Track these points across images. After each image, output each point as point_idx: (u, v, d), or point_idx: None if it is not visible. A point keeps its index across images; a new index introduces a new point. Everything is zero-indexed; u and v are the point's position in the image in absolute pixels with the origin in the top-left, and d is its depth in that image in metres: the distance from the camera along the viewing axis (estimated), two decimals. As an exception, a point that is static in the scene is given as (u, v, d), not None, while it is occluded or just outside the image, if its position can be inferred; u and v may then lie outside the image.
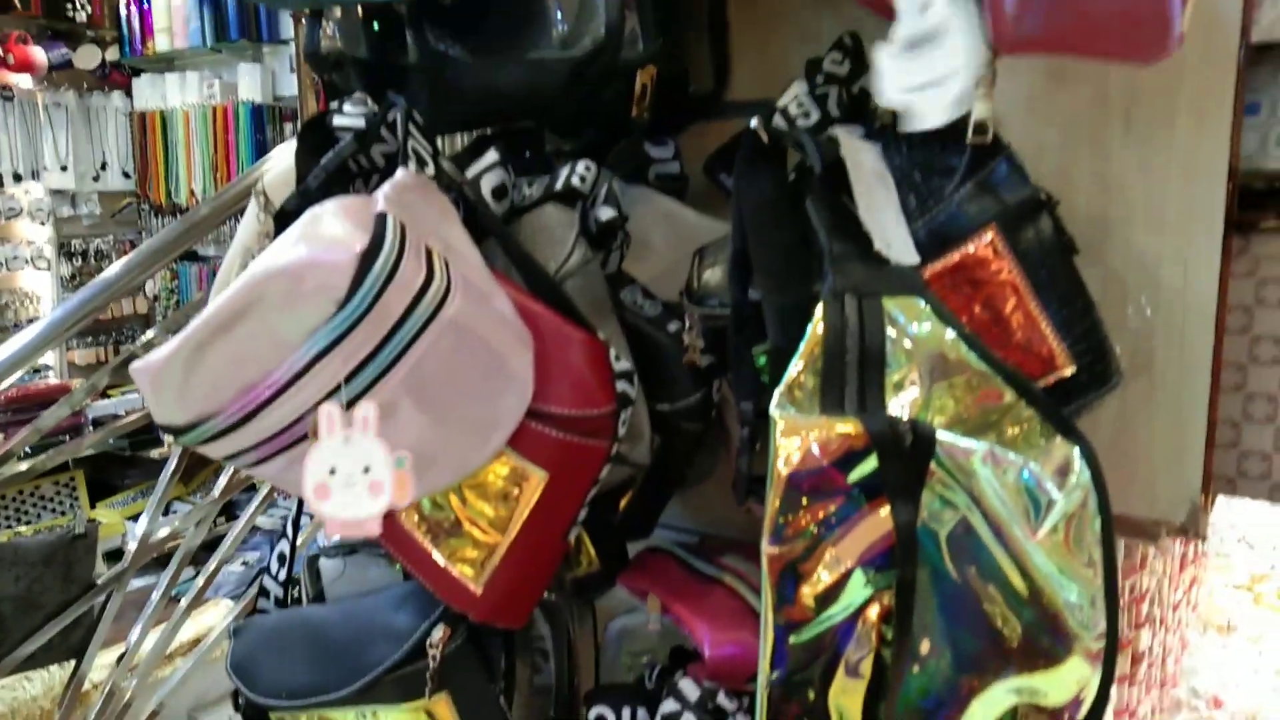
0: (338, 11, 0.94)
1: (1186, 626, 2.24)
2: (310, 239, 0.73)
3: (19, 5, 3.97)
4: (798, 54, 1.02)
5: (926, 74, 0.63)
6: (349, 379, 0.75)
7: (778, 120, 0.89)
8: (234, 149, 3.87)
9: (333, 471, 0.77)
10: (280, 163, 0.95)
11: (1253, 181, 1.00)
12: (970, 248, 0.77)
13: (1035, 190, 0.76)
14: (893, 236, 0.75)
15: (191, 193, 4.05)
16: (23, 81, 4.11)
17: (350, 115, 0.88)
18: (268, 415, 0.76)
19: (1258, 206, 1.04)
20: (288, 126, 3.87)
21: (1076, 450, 0.75)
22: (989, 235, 0.76)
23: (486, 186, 0.89)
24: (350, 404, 0.75)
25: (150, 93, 4.17)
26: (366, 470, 0.76)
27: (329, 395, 0.75)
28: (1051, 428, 0.75)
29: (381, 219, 0.74)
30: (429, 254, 0.76)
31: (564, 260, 0.89)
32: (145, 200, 4.30)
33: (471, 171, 0.90)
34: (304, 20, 0.95)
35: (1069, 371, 0.78)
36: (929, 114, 0.65)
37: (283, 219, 0.86)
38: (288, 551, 1.05)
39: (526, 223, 0.91)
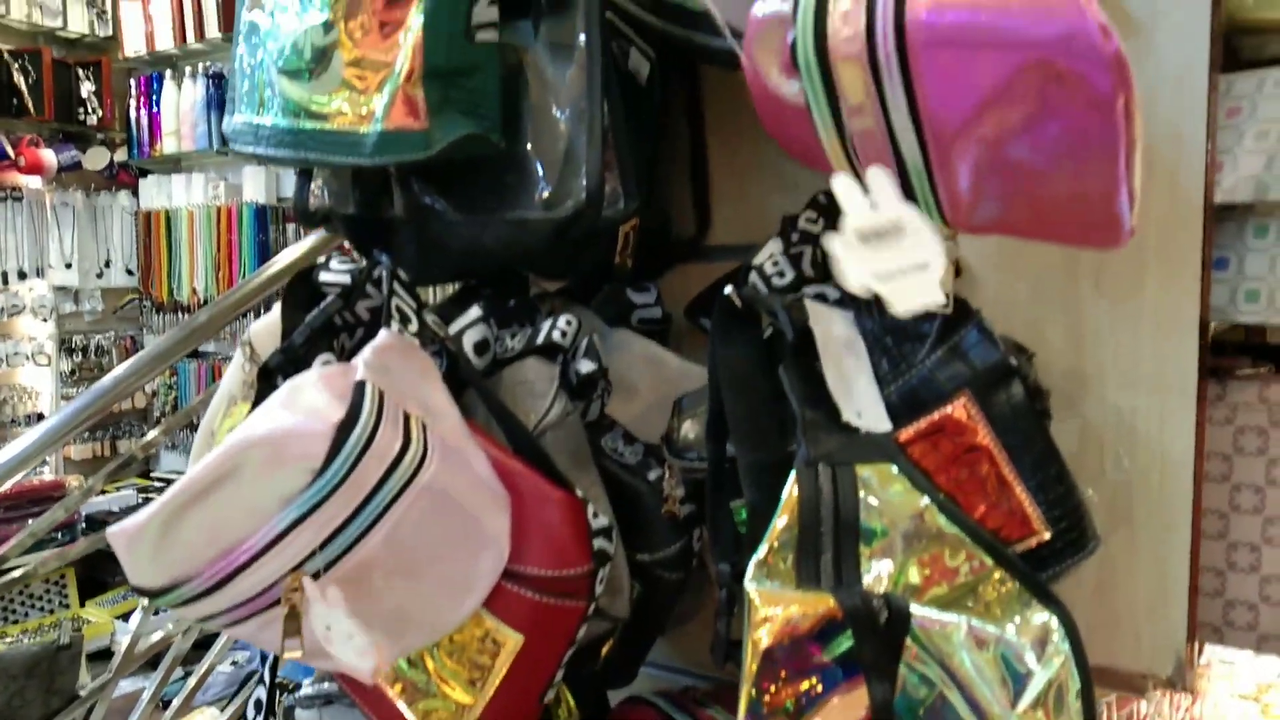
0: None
1: (1191, 745, 2.18)
2: (290, 408, 0.74)
3: (32, 110, 4.08)
4: (776, 203, 1.05)
5: (896, 261, 0.65)
6: (324, 545, 0.75)
7: (753, 278, 0.91)
8: (236, 248, 3.94)
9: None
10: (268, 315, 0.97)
11: (1227, 330, 1.02)
12: (944, 413, 0.77)
13: (1005, 357, 0.77)
14: (863, 404, 0.76)
15: (193, 291, 4.10)
16: (32, 182, 4.20)
17: (336, 271, 0.90)
18: (241, 581, 0.75)
19: (1235, 351, 1.05)
20: (290, 227, 3.93)
21: (1055, 618, 0.74)
22: (962, 401, 0.77)
23: (469, 342, 0.91)
24: (324, 570, 0.75)
25: (156, 192, 4.26)
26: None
27: (303, 562, 0.75)
28: (1029, 594, 0.75)
29: (360, 388, 0.75)
30: (407, 420, 0.77)
31: (544, 413, 0.89)
32: (147, 297, 4.34)
33: (455, 327, 0.91)
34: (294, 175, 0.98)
35: (1046, 536, 0.78)
36: (911, 299, 0.66)
37: (266, 375, 0.87)
38: (264, 698, 1.03)
39: (508, 375, 0.92)
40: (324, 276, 0.91)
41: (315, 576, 0.75)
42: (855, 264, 0.65)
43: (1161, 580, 0.93)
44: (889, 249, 0.64)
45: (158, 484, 4.19)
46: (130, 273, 4.43)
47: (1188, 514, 0.91)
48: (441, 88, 0.85)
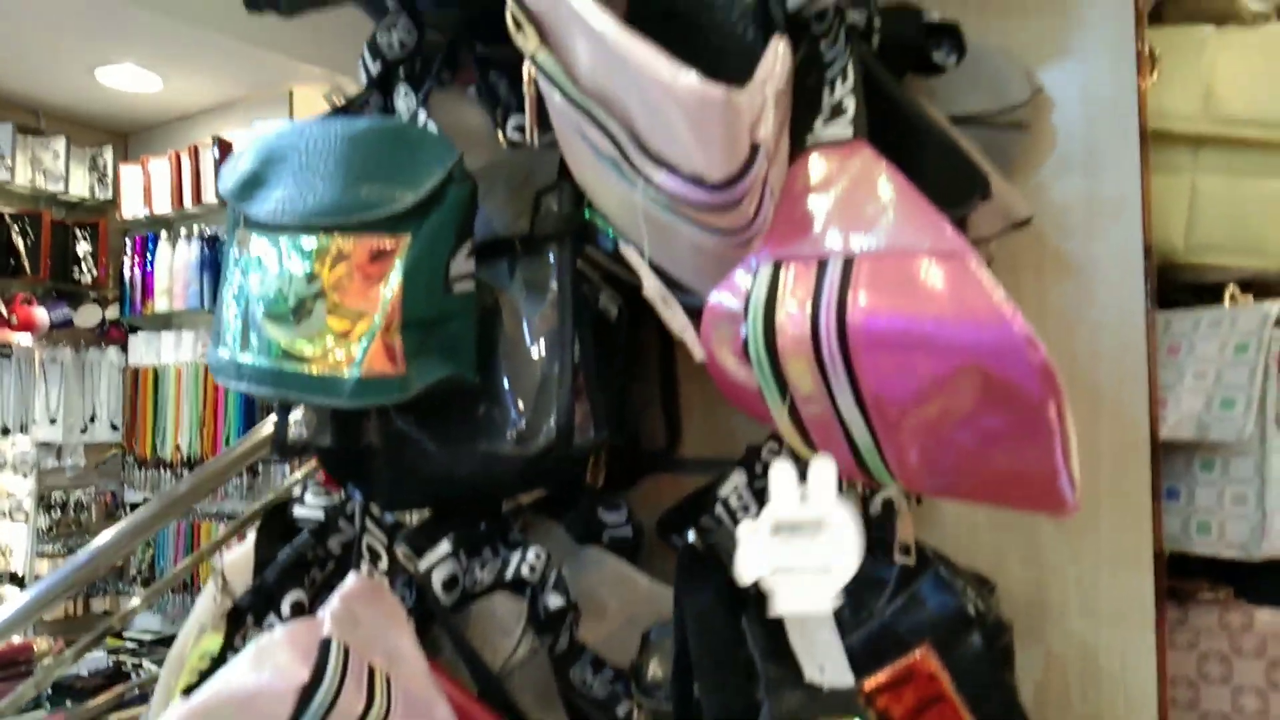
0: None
1: None
2: (256, 668, 0.75)
3: (29, 270, 4.16)
4: (744, 420, 1.09)
5: (801, 559, 0.66)
6: (284, 808, 0.74)
7: (719, 510, 0.94)
8: (223, 407, 3.95)
9: None
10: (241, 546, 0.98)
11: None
12: (905, 662, 0.78)
13: (963, 606, 0.79)
14: (826, 658, 0.77)
15: (177, 448, 4.10)
16: (23, 339, 4.24)
17: (310, 507, 0.92)
18: (198, 846, 0.74)
19: (1197, 567, 1.07)
20: (276, 384, 3.97)
21: None
22: (923, 650, 0.78)
23: (438, 579, 0.92)
24: (284, 833, 0.74)
25: (145, 350, 4.31)
26: None
27: (262, 826, 0.74)
28: None
29: (325, 647, 0.76)
30: (371, 675, 0.77)
31: (511, 651, 0.90)
32: (130, 453, 4.33)
33: (425, 563, 0.92)
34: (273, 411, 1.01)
35: (1011, 790, 0.78)
36: (797, 600, 0.67)
37: (236, 616, 0.88)
38: None
39: (476, 609, 0.93)
40: (298, 512, 0.93)
41: (274, 841, 0.74)
42: (755, 553, 0.67)
43: (1135, 817, 0.92)
44: (800, 545, 0.66)
45: (129, 644, 4.08)
46: (115, 427, 4.43)
47: (1155, 750, 0.91)
48: (420, 335, 0.89)
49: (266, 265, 0.94)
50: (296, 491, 0.96)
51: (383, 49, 0.99)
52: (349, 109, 1.02)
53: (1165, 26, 0.97)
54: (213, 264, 4.07)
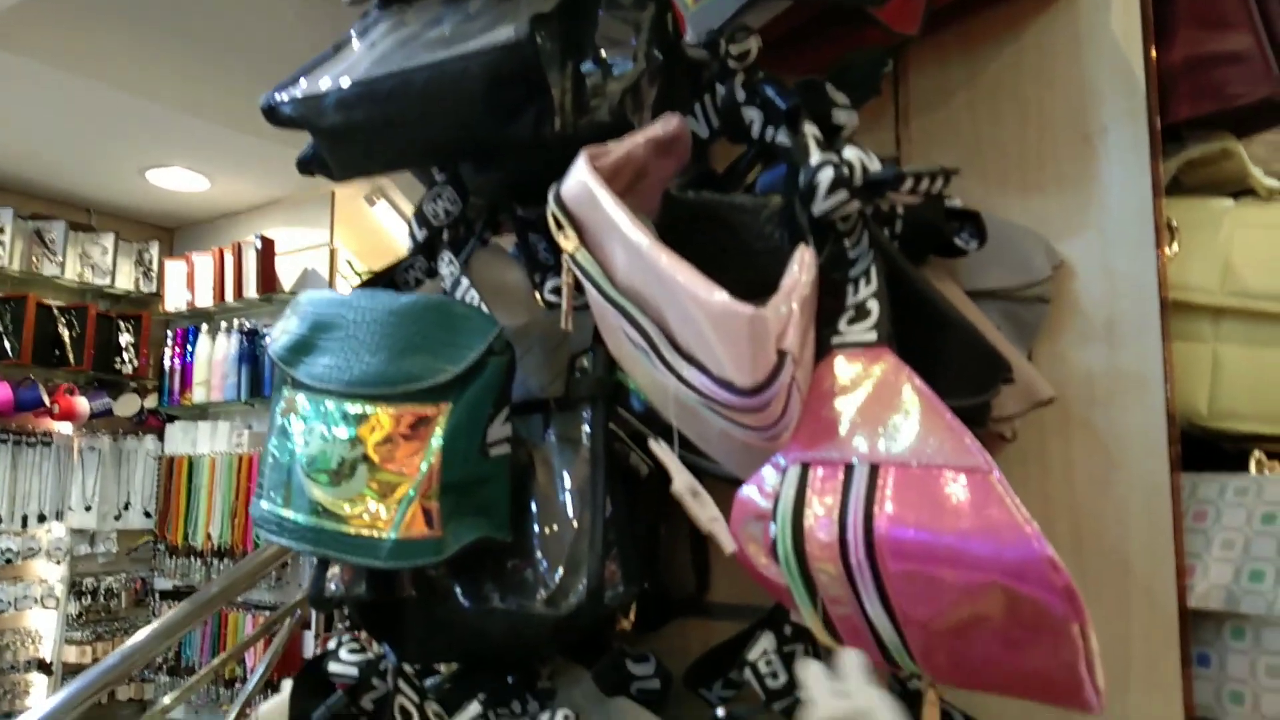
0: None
1: None
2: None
3: (73, 361, 4.28)
4: (772, 573, 1.09)
5: None
6: None
7: (748, 674, 0.94)
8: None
9: None
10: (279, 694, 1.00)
11: None
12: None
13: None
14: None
15: (208, 536, 4.14)
16: (63, 428, 4.34)
17: (345, 663, 0.94)
18: None
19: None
20: (308, 476, 4.01)
21: None
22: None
23: (469, 743, 0.93)
24: None
25: (181, 438, 4.38)
26: None
27: None
28: None
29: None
30: None
31: (540, 815, 0.90)
32: (162, 540, 4.38)
33: (455, 723, 0.94)
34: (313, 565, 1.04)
35: None
36: None
37: (272, 777, 0.89)
38: None
39: (506, 769, 0.94)
40: (333, 668, 0.94)
41: None
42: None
43: None
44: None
45: (152, 736, 4.06)
46: (148, 515, 4.49)
47: None
48: (455, 499, 0.91)
49: (311, 426, 0.98)
50: (332, 645, 0.97)
51: (428, 217, 1.04)
52: (395, 271, 1.07)
53: (1183, 198, 1.00)
54: (250, 357, 4.16)
